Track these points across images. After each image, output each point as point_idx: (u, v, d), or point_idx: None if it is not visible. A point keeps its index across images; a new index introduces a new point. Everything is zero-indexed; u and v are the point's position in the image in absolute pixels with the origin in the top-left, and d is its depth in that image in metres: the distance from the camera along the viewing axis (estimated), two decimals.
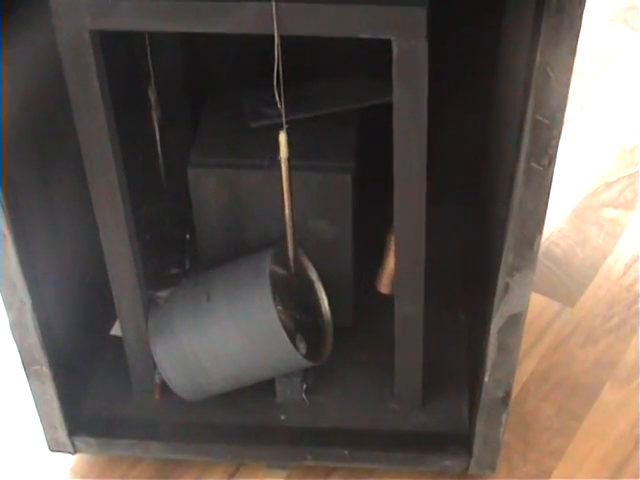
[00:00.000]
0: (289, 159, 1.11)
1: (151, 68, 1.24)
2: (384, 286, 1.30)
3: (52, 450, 1.31)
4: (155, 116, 1.32)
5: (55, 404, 1.24)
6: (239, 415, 1.29)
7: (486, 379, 1.14)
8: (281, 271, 1.24)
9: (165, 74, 1.31)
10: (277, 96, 1.01)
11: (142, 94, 1.30)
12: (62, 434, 1.28)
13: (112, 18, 0.96)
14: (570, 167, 1.78)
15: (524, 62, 0.92)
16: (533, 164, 0.95)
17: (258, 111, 1.24)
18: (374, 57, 1.00)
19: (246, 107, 1.27)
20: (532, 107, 0.91)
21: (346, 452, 1.27)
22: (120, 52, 1.29)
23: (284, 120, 1.06)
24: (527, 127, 0.92)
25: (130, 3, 0.96)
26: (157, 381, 1.27)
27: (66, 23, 0.96)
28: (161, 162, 1.37)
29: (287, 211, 1.16)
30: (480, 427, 1.20)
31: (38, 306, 1.14)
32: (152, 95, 1.29)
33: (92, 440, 1.30)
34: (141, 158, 1.35)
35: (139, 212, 1.17)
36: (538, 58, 0.87)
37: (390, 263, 1.27)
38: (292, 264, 1.23)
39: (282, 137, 1.09)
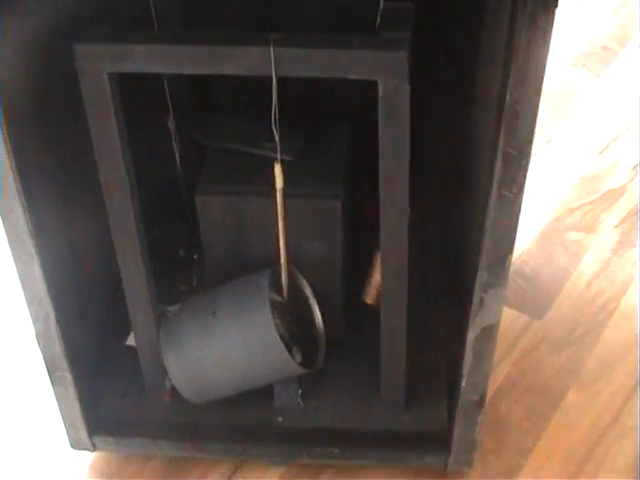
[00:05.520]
0: (284, 189, 1.12)
1: (169, 101, 1.24)
2: (370, 297, 1.31)
3: (74, 448, 1.30)
4: (176, 147, 1.31)
5: (76, 407, 1.24)
6: (241, 417, 1.29)
7: (463, 384, 1.14)
8: (278, 288, 1.24)
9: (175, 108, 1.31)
10: (274, 131, 1.02)
11: (154, 126, 1.30)
12: (83, 434, 1.28)
13: (128, 62, 0.97)
14: (538, 194, 1.79)
15: (496, 100, 0.92)
16: (504, 192, 0.95)
17: (259, 144, 1.24)
18: None
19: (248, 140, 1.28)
20: (503, 141, 0.91)
21: (337, 450, 1.27)
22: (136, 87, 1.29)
23: (279, 154, 1.07)
24: (498, 158, 0.92)
25: (144, 48, 0.96)
26: (167, 386, 1.27)
27: (88, 67, 0.97)
28: (182, 188, 1.36)
29: (282, 237, 1.16)
30: (458, 427, 1.20)
31: (61, 318, 1.14)
32: (171, 126, 1.29)
33: (110, 439, 1.29)
34: (154, 186, 1.35)
35: (152, 236, 1.17)
36: (508, 97, 0.87)
37: (375, 277, 1.27)
38: (287, 282, 1.23)
39: (277, 169, 1.10)
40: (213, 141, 1.29)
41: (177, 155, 1.32)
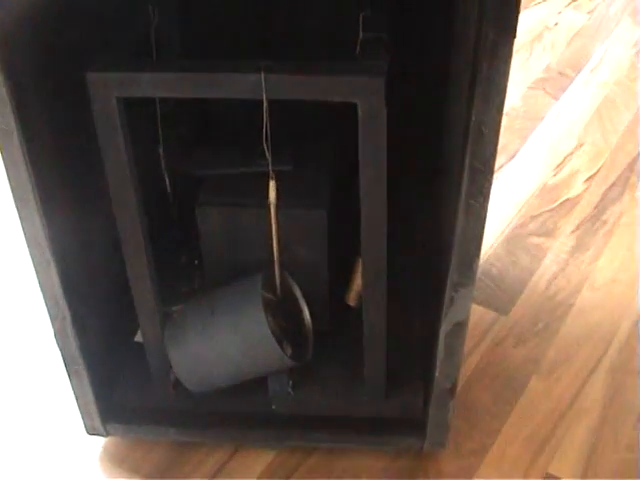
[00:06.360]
0: (277, 201, 1.12)
1: (160, 130, 1.23)
2: (351, 299, 1.31)
3: (89, 433, 1.30)
4: (165, 173, 1.30)
5: (91, 397, 1.24)
6: (238, 405, 1.28)
7: (436, 374, 1.14)
8: (270, 289, 1.24)
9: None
10: (266, 150, 1.02)
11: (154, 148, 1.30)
12: (96, 421, 1.28)
13: (135, 88, 0.97)
14: (503, 204, 1.79)
15: (463, 120, 0.93)
16: (471, 201, 0.95)
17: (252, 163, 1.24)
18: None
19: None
20: (469, 156, 0.91)
21: (324, 435, 1.27)
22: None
23: (270, 170, 1.07)
24: (466, 172, 0.93)
25: (149, 76, 0.97)
26: (172, 378, 1.27)
27: (99, 92, 0.97)
28: (173, 206, 1.35)
29: (275, 243, 1.17)
30: (432, 413, 1.20)
31: (76, 318, 1.14)
32: (162, 153, 1.28)
33: (120, 425, 1.29)
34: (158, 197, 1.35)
35: (157, 243, 1.16)
36: (473, 117, 0.88)
37: (356, 281, 1.27)
38: (278, 284, 1.23)
39: (271, 185, 1.10)
40: (207, 170, 1.28)
41: (167, 181, 1.30)
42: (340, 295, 1.33)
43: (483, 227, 0.98)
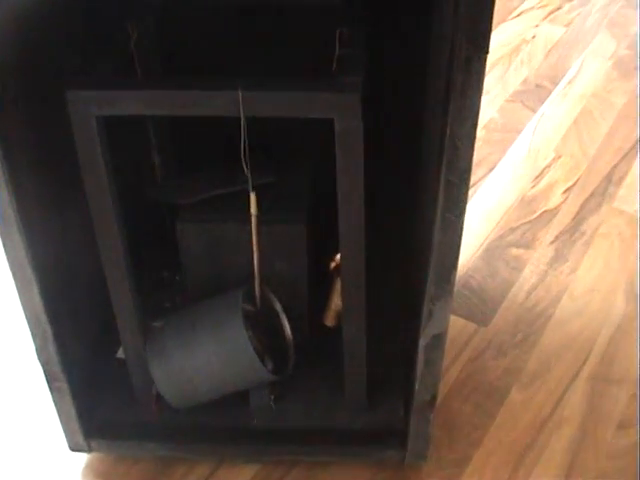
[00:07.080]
0: (258, 214, 1.13)
1: (153, 138, 1.22)
2: (329, 320, 1.31)
3: (72, 450, 1.30)
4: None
5: (73, 413, 1.23)
6: (220, 419, 1.28)
7: (417, 386, 1.15)
8: (251, 304, 1.24)
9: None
10: (244, 165, 1.03)
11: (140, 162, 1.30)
12: (79, 437, 1.27)
13: (113, 107, 0.97)
14: (482, 216, 1.80)
15: (438, 135, 0.93)
16: (447, 215, 0.96)
17: (232, 181, 1.24)
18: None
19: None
20: (445, 170, 0.92)
21: (307, 448, 1.27)
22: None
23: (251, 184, 1.08)
24: (441, 186, 0.93)
25: (128, 95, 0.97)
26: (154, 393, 1.26)
27: (78, 111, 0.97)
28: (165, 213, 1.35)
29: (255, 257, 1.17)
30: (413, 424, 1.21)
31: (58, 336, 1.14)
32: (156, 160, 1.27)
33: (103, 441, 1.29)
34: (140, 215, 1.35)
35: (138, 259, 1.17)
36: (448, 132, 0.89)
37: (334, 301, 1.28)
38: (259, 299, 1.23)
39: (252, 197, 1.11)
40: (188, 198, 1.28)
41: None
42: (320, 309, 1.33)
43: (460, 240, 0.98)
